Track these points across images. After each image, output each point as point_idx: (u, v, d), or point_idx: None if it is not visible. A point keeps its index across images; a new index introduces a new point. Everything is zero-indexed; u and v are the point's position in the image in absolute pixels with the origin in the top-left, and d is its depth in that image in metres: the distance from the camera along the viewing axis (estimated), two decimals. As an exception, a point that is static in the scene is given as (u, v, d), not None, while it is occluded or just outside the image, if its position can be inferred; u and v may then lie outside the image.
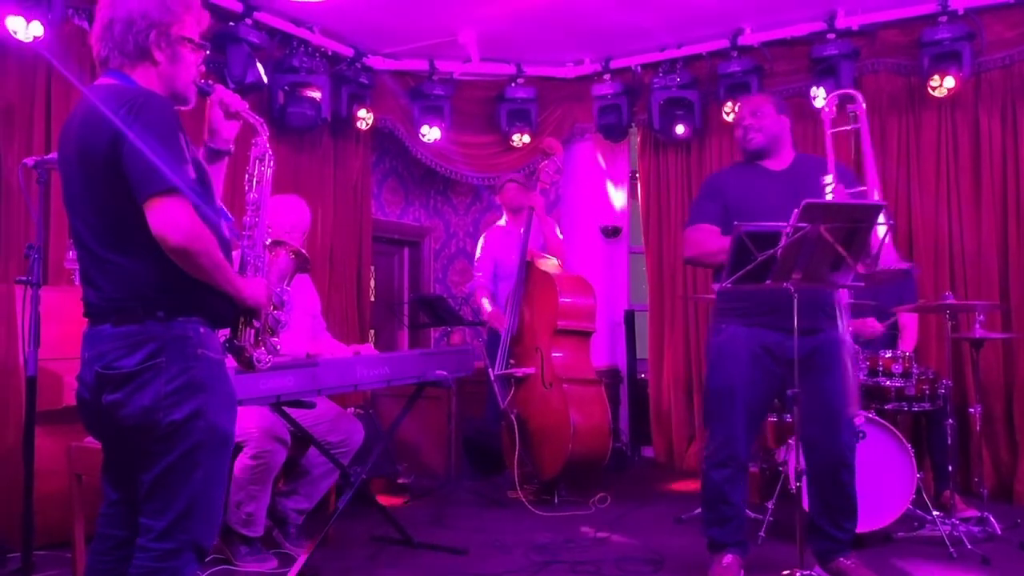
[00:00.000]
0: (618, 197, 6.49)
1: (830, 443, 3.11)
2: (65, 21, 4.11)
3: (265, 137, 2.17)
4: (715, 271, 3.27)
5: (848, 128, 3.24)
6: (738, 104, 3.51)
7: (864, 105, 3.22)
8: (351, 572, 3.42)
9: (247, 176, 2.14)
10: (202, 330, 1.92)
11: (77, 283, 3.92)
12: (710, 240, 3.17)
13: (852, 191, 3.07)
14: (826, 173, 3.08)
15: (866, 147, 3.19)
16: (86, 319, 1.95)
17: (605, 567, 3.43)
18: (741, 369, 3.10)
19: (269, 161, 2.14)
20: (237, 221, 2.14)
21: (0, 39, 3.90)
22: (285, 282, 2.17)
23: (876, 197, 3.09)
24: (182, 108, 2.01)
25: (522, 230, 4.85)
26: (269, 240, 2.16)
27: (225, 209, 2.10)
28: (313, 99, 5.09)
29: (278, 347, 2.09)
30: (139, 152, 1.79)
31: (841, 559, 3.15)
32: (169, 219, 1.78)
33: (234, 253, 2.05)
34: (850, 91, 3.34)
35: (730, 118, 5.38)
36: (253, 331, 2.03)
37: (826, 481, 3.14)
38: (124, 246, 1.87)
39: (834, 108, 3.24)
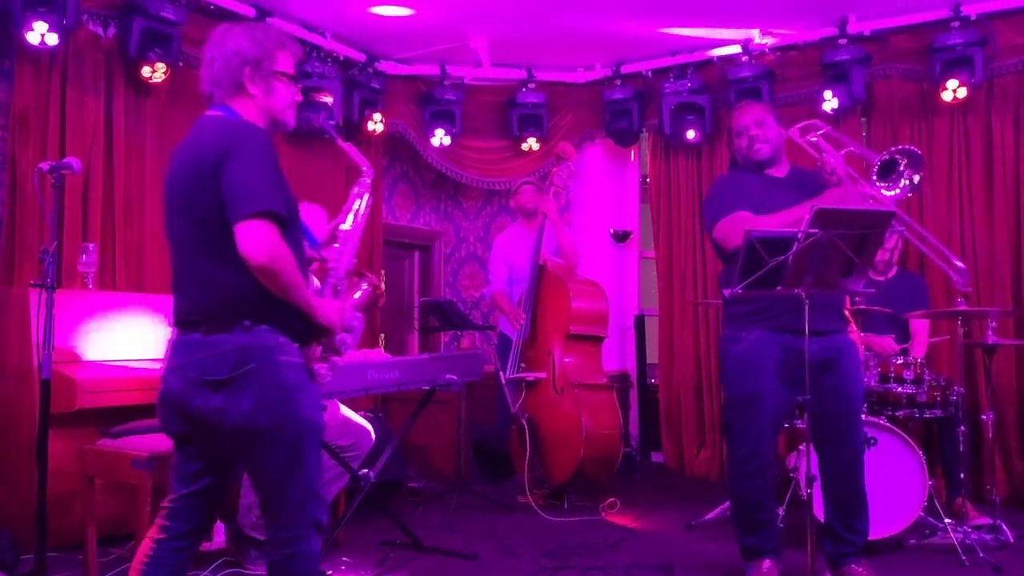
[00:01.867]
0: (628, 202, 6.49)
1: (847, 442, 3.12)
2: (80, 27, 4.15)
3: (369, 179, 2.46)
4: (723, 278, 3.26)
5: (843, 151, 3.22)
6: (738, 112, 3.41)
7: (821, 133, 3.24)
8: (361, 576, 3.43)
9: (345, 209, 2.40)
10: (282, 339, 2.09)
11: (91, 286, 3.97)
12: (762, 222, 2.99)
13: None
14: (821, 184, 3.11)
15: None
16: (175, 327, 2.15)
17: (615, 573, 3.43)
18: (767, 376, 3.09)
19: (368, 200, 2.42)
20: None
21: (16, 44, 3.94)
22: (359, 310, 2.35)
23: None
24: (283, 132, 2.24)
25: (535, 234, 4.86)
26: (352, 269, 2.38)
27: (310, 230, 2.33)
28: (325, 104, 5.12)
29: (338, 366, 2.26)
30: (234, 177, 2.01)
31: (852, 565, 3.14)
32: (254, 240, 1.97)
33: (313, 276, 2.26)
34: (814, 122, 3.36)
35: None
36: (320, 347, 2.20)
37: (840, 481, 3.14)
38: (219, 261, 2.06)
39: (797, 135, 3.26)
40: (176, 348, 2.13)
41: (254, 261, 1.97)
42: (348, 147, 2.55)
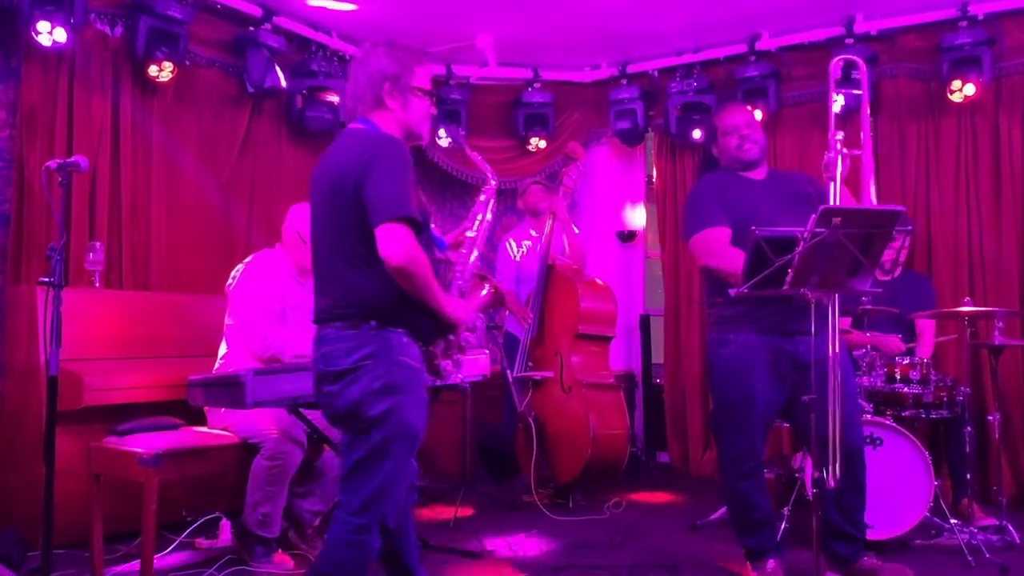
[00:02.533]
0: (634, 202, 6.48)
1: (847, 440, 3.10)
2: (87, 25, 4.16)
3: (494, 186, 2.63)
4: (707, 282, 3.26)
5: (854, 152, 3.17)
6: (726, 112, 3.39)
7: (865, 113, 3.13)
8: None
9: (471, 215, 2.58)
10: (404, 340, 2.27)
11: (98, 285, 3.98)
12: (733, 257, 3.01)
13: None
14: (804, 182, 3.10)
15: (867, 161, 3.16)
16: (316, 323, 2.35)
17: (619, 572, 3.42)
18: (757, 379, 3.09)
19: (492, 207, 2.60)
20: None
21: (23, 43, 3.95)
22: (481, 311, 2.54)
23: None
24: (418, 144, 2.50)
25: (543, 233, 4.86)
26: (476, 272, 2.55)
27: (439, 234, 2.55)
28: (331, 103, 5.12)
29: (461, 364, 2.42)
30: (375, 185, 2.19)
31: (864, 559, 3.15)
32: (393, 242, 2.15)
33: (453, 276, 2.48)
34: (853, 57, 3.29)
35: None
36: (445, 345, 2.37)
37: (843, 480, 3.13)
38: (354, 265, 2.25)
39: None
40: (315, 341, 2.34)
41: (392, 262, 2.15)
42: (475, 156, 2.74)
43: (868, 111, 3.11)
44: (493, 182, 2.62)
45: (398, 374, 2.24)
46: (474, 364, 3.38)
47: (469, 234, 2.56)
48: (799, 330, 2.85)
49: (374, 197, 2.19)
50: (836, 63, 3.19)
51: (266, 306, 3.53)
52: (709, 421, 5.65)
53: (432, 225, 2.51)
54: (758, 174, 3.29)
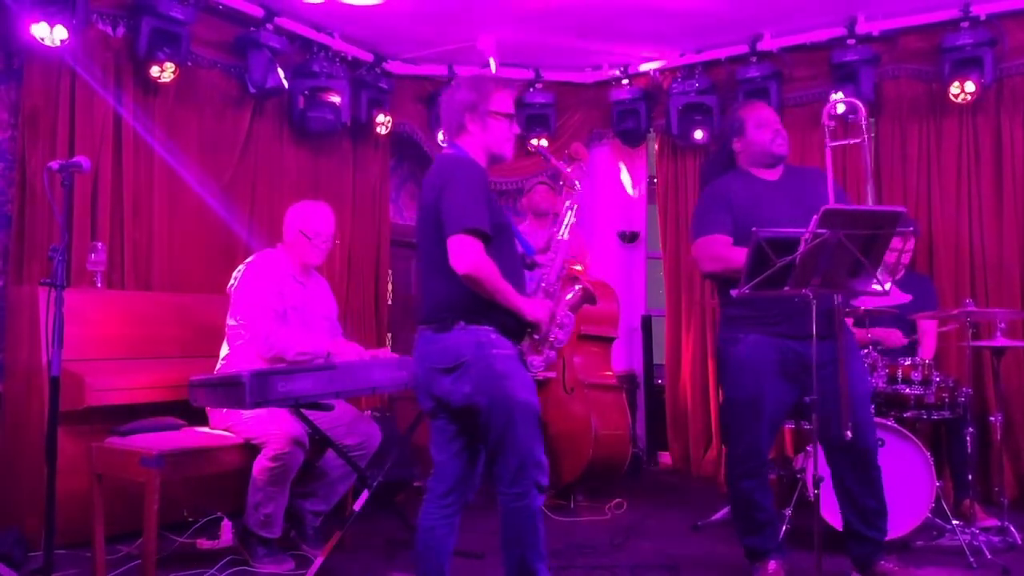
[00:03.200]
0: (636, 202, 6.48)
1: (859, 443, 3.11)
2: (89, 26, 4.16)
3: (578, 192, 2.81)
4: (719, 282, 3.26)
5: (849, 142, 3.22)
6: (757, 107, 3.39)
7: (865, 119, 3.18)
8: (367, 575, 3.43)
9: (559, 220, 2.80)
10: (493, 336, 2.53)
11: (100, 285, 3.99)
12: (732, 255, 3.08)
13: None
14: (820, 184, 3.10)
15: (867, 162, 3.18)
16: (419, 325, 2.63)
17: (620, 573, 3.42)
18: (765, 379, 3.09)
19: (575, 211, 2.79)
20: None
21: (25, 43, 3.95)
22: (572, 310, 2.71)
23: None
24: (501, 163, 2.76)
25: (547, 233, 4.84)
26: (564, 273, 2.75)
27: (527, 240, 2.76)
28: (333, 104, 5.13)
29: (552, 359, 2.67)
30: (446, 202, 2.49)
31: (882, 562, 3.15)
32: (459, 252, 2.44)
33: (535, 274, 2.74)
34: (853, 100, 3.31)
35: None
36: (532, 341, 2.62)
37: (856, 482, 3.14)
38: (441, 274, 2.52)
39: (830, 116, 3.20)
40: (417, 342, 2.63)
41: (459, 270, 2.45)
42: (560, 164, 2.88)
43: (869, 160, 3.15)
44: (578, 186, 2.79)
45: (498, 364, 2.50)
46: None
47: (558, 237, 2.76)
48: (809, 332, 2.85)
49: (445, 211, 2.49)
50: (829, 106, 3.25)
51: (268, 306, 3.54)
52: (718, 420, 5.66)
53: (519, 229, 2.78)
54: (773, 174, 3.28)
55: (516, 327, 2.57)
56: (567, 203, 2.81)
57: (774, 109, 5.23)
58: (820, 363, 2.97)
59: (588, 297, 2.76)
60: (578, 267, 4.92)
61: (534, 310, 2.58)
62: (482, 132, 2.66)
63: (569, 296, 2.78)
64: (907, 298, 3.95)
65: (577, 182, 2.82)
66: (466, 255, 2.44)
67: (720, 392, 3.40)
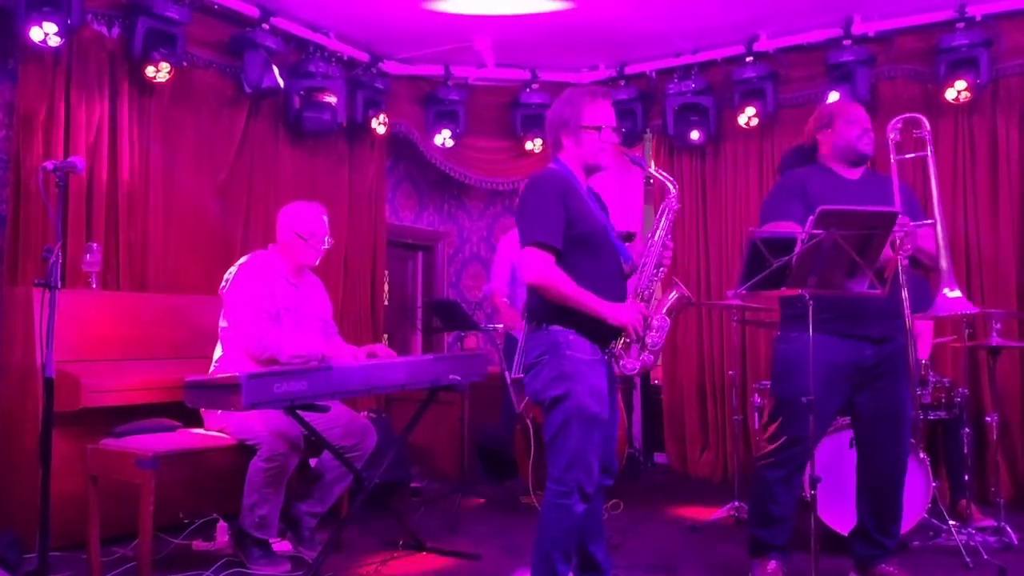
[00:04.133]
0: (632, 203, 6.48)
1: (895, 448, 3.12)
2: (84, 26, 4.15)
3: (675, 195, 2.84)
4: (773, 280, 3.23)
5: (916, 155, 3.22)
6: (850, 105, 3.38)
7: (929, 131, 3.19)
8: (364, 576, 3.42)
9: (655, 225, 2.82)
10: (571, 337, 2.67)
11: (95, 286, 3.98)
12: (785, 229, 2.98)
13: (917, 224, 3.04)
14: (893, 192, 3.10)
15: (933, 175, 3.17)
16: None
17: (617, 574, 3.41)
18: (813, 379, 3.06)
19: (671, 215, 2.82)
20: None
21: (20, 43, 3.94)
22: (668, 314, 2.76)
23: (939, 231, 3.10)
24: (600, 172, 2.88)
25: None
26: (660, 277, 2.79)
27: (624, 247, 2.85)
28: (329, 104, 5.12)
29: (648, 363, 2.73)
30: (519, 216, 2.74)
31: (883, 565, 3.15)
32: (528, 264, 2.66)
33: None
34: (916, 116, 3.28)
35: (744, 123, 5.37)
36: (624, 345, 2.70)
37: (884, 486, 3.16)
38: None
39: (898, 133, 3.20)
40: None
41: (527, 280, 2.68)
42: (657, 171, 2.99)
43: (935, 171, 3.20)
44: (673, 190, 2.83)
45: (567, 365, 2.64)
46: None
47: (654, 240, 2.80)
48: (863, 334, 2.86)
49: (518, 226, 2.73)
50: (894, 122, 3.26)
51: (260, 307, 3.53)
52: (707, 422, 5.66)
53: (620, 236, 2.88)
54: (855, 173, 3.25)
55: (601, 331, 2.67)
56: (663, 207, 2.83)
57: (770, 110, 5.30)
58: (874, 366, 3.02)
59: (686, 302, 2.79)
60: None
61: (617, 314, 2.65)
62: (576, 146, 2.79)
63: (672, 297, 2.79)
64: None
65: (671, 185, 2.84)
66: (532, 267, 2.65)
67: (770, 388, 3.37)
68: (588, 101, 2.79)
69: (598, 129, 2.78)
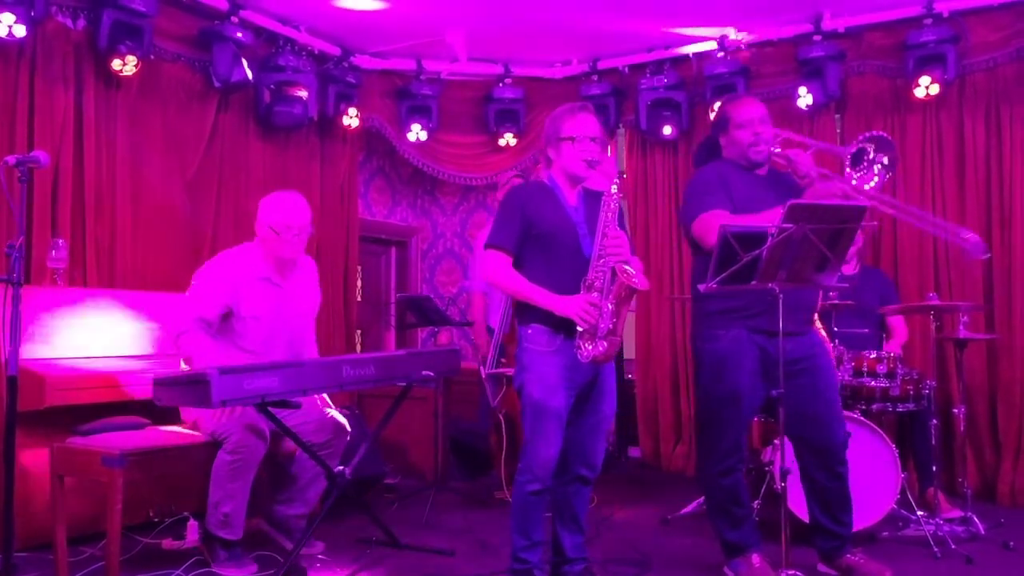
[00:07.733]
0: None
1: (827, 439, 3.14)
2: (48, 18, 4.08)
3: (615, 189, 2.91)
4: (696, 273, 3.25)
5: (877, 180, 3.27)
6: (743, 104, 3.28)
7: (898, 156, 3.28)
8: (337, 574, 3.40)
9: (600, 220, 2.91)
10: (530, 331, 2.94)
11: (60, 282, 3.91)
12: (743, 222, 2.94)
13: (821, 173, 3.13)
14: (797, 185, 3.15)
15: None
16: None
17: (591, 567, 3.42)
18: (745, 375, 3.09)
19: (613, 206, 2.88)
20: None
21: (-18, 36, 3.87)
22: (617, 302, 2.83)
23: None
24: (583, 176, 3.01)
25: None
26: (608, 267, 2.86)
27: (588, 243, 2.94)
28: (300, 98, 5.07)
29: (606, 349, 2.83)
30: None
31: (848, 555, 3.18)
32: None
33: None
34: (888, 138, 3.28)
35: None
36: (580, 334, 2.83)
37: (823, 477, 3.17)
38: None
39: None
40: None
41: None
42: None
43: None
44: (615, 190, 2.90)
45: (524, 357, 2.93)
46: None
47: (610, 234, 2.88)
48: (787, 329, 2.88)
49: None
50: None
51: (203, 307, 3.37)
52: (680, 416, 5.69)
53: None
54: (760, 171, 3.25)
55: (557, 322, 2.87)
56: (603, 201, 2.90)
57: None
58: (796, 359, 3.01)
59: (630, 290, 2.83)
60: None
61: (564, 306, 2.83)
62: (558, 158, 3.01)
63: (615, 286, 2.83)
64: (854, 270, 4.11)
65: (613, 185, 2.91)
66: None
67: (697, 389, 3.38)
68: (568, 116, 2.99)
69: (572, 140, 2.95)
